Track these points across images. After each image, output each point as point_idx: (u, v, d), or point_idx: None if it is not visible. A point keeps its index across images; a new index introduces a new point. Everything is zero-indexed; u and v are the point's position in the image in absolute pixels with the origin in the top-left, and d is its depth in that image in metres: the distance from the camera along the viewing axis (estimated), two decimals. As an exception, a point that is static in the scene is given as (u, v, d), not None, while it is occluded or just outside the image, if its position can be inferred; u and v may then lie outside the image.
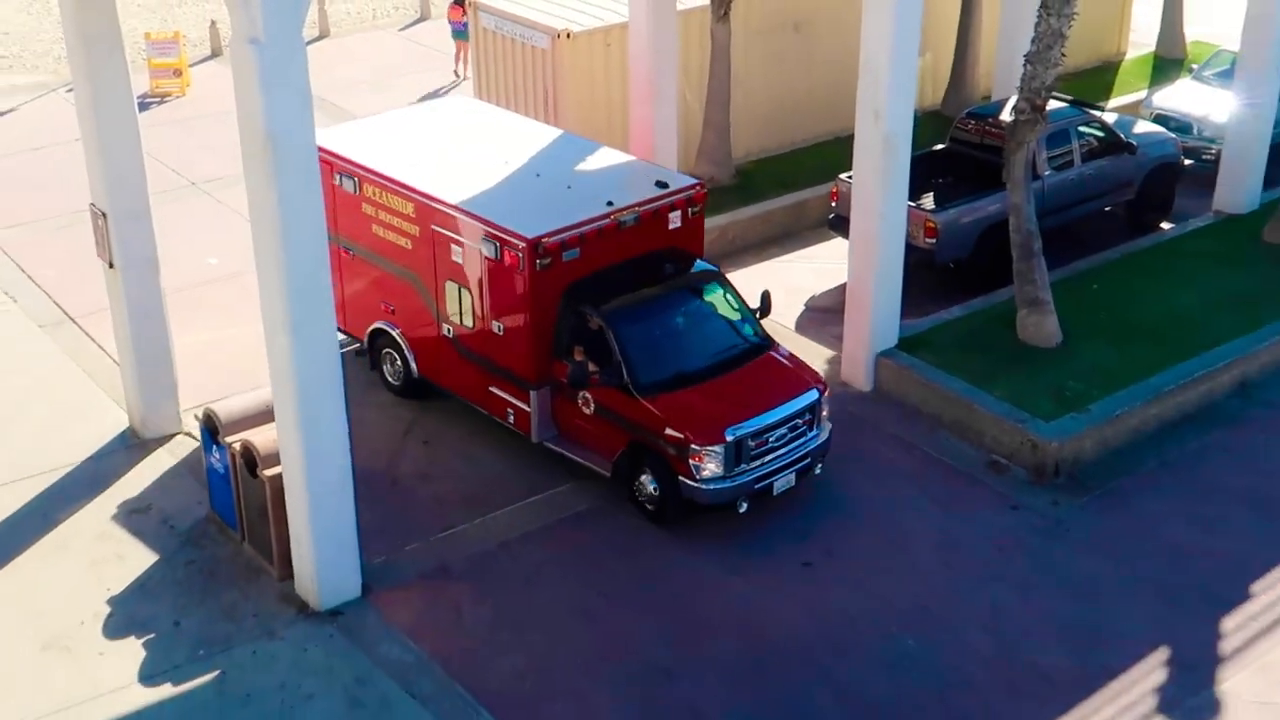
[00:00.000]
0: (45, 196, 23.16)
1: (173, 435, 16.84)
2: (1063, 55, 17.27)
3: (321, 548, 13.80)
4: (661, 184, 16.30)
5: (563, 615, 14.09)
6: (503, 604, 14.26)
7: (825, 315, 19.33)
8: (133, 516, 15.49)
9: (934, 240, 19.38)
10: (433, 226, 16.14)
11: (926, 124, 21.58)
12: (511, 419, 16.05)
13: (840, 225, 19.78)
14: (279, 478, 13.93)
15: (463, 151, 17.67)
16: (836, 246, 20.10)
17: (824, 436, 15.51)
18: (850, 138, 17.51)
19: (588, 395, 15.17)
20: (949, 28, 25.29)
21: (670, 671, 13.35)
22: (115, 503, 15.70)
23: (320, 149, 16.52)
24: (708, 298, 16.13)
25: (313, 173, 12.69)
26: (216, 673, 13.29)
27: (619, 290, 15.46)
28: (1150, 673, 13.32)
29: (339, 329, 16.61)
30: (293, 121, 12.42)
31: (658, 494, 14.96)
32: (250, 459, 14.27)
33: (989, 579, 14.57)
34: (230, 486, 14.80)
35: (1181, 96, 24.28)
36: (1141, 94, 26.05)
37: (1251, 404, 17.53)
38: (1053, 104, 18.31)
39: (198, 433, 15.43)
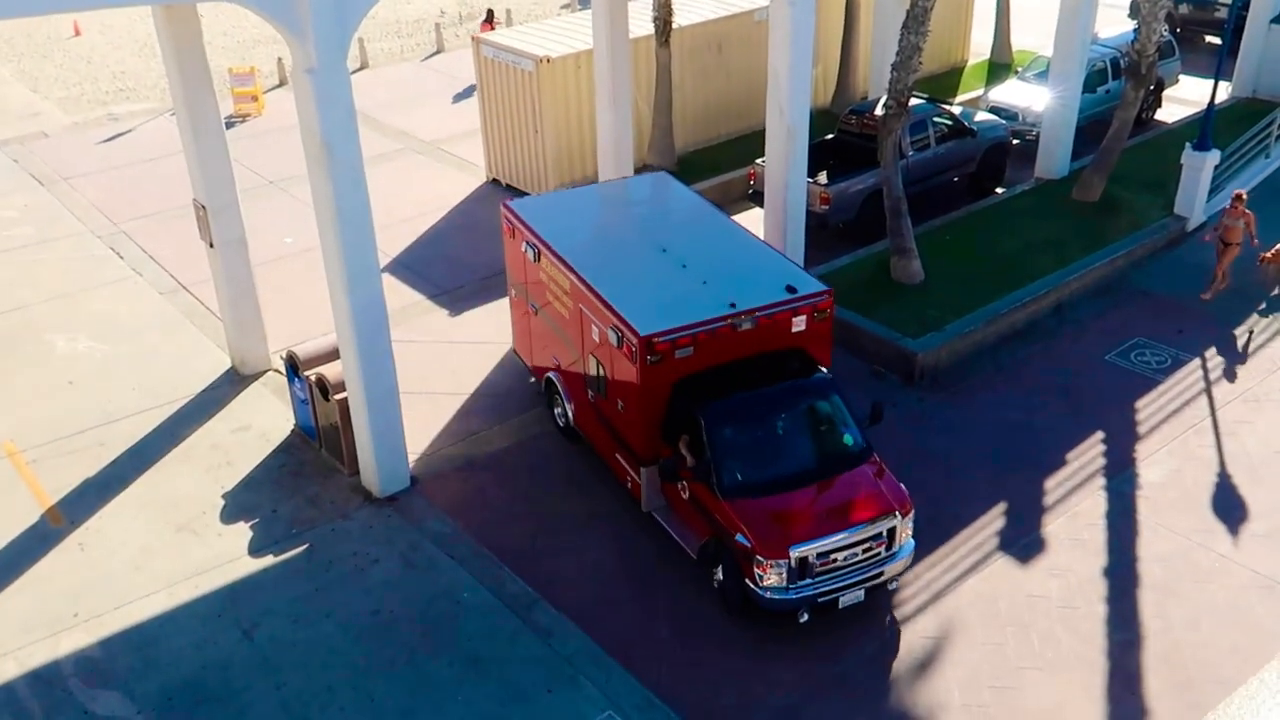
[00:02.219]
0: (159, 195, 22.91)
1: (264, 372, 16.81)
2: (920, 63, 17.24)
3: (379, 450, 13.90)
4: (791, 289, 12.98)
5: (560, 492, 14.24)
6: (516, 487, 14.39)
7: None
8: (237, 433, 15.53)
9: (827, 206, 19.40)
10: (580, 304, 13.56)
11: (819, 119, 21.50)
12: (629, 485, 13.51)
13: (757, 198, 19.81)
14: (345, 400, 13.99)
15: (630, 233, 15.02)
16: (754, 214, 20.11)
17: (902, 556, 12.06)
18: (762, 131, 17.45)
19: (684, 482, 12.53)
20: (835, 45, 25.14)
21: (641, 529, 13.53)
22: (224, 423, 15.73)
23: (515, 214, 15.07)
24: (811, 405, 12.72)
25: (358, 170, 12.59)
26: (306, 545, 13.43)
27: (725, 390, 12.39)
28: (991, 520, 13.59)
29: (528, 367, 15.97)
30: (342, 132, 12.34)
31: (725, 586, 12.17)
32: (323, 387, 14.31)
33: (872, 456, 14.81)
34: (309, 408, 14.85)
35: (1010, 92, 24.24)
36: (979, 91, 25.97)
37: (1064, 322, 17.68)
38: (914, 101, 18.31)
39: (283, 369, 15.42)
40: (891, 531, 11.89)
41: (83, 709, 11.35)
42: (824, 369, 12.97)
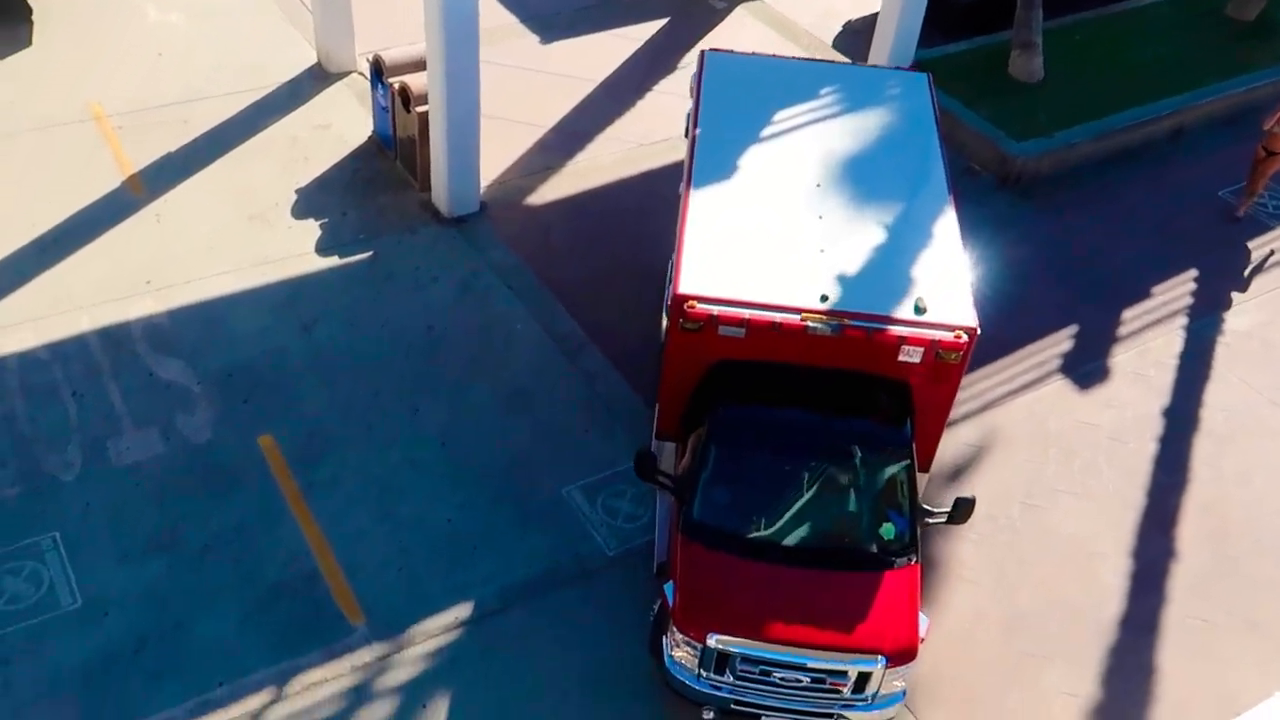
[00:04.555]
0: None
1: (349, 72, 16.22)
2: None
3: (452, 170, 13.51)
4: (920, 307, 9.06)
5: (624, 244, 13.79)
6: (581, 230, 13.99)
7: (857, 35, 18.07)
8: (316, 130, 15.14)
9: (956, -16, 17.79)
10: (680, 212, 10.19)
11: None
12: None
13: (883, -36, 18.14)
14: (425, 114, 13.50)
15: (800, 148, 10.73)
16: (876, -18, 18.61)
17: (875, 709, 8.77)
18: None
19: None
20: None
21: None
22: (304, 119, 15.32)
23: (701, 69, 11.62)
24: (865, 467, 9.12)
25: None
26: (370, 253, 13.30)
27: (763, 397, 9.21)
28: (1057, 342, 13.05)
29: None
30: None
31: (653, 628, 9.24)
32: (406, 97, 13.78)
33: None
34: (389, 117, 14.37)
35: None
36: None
37: (1180, 150, 16.39)
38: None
39: (368, 72, 14.85)
40: (864, 677, 8.57)
41: (148, 371, 11.64)
42: (907, 423, 9.15)
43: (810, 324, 8.91)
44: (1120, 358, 12.89)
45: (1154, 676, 9.90)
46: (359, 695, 9.15)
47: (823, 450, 9.12)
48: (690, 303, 8.93)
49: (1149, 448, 11.87)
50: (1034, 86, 16.55)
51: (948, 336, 8.88)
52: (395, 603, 9.77)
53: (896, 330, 8.95)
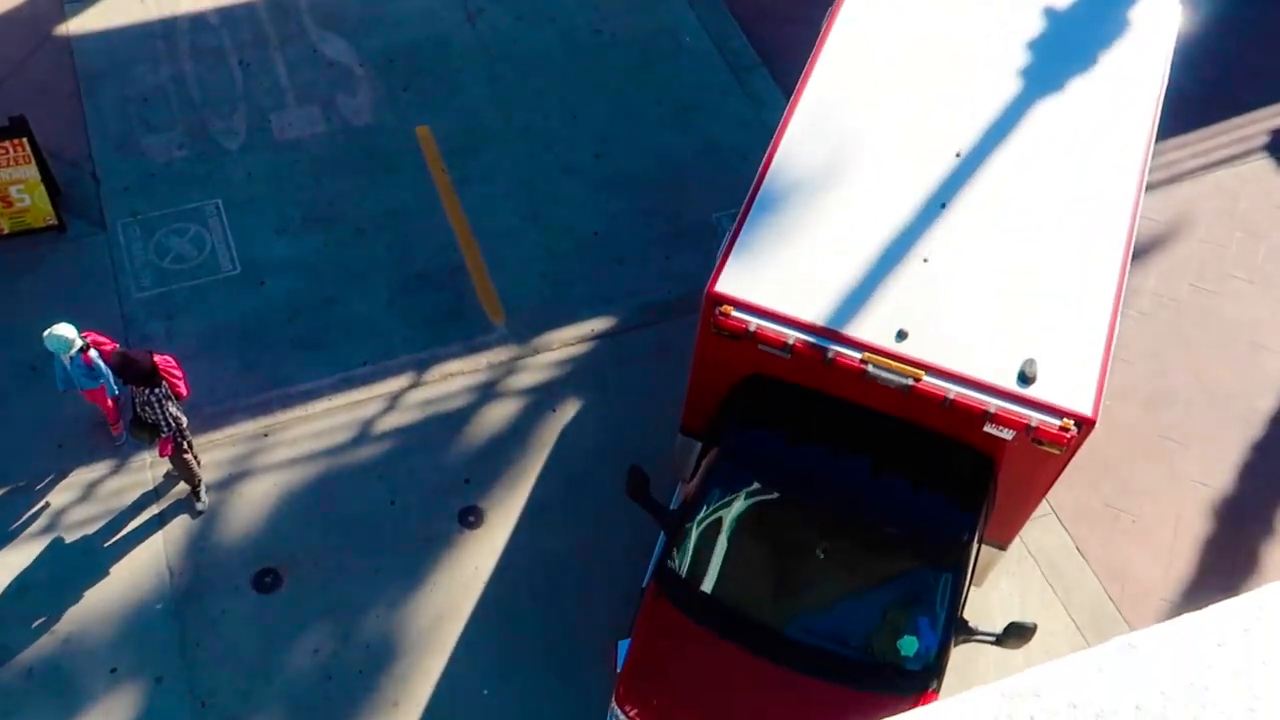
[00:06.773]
0: None
1: None
2: None
3: None
4: (1024, 374, 6.45)
5: None
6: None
7: None
8: None
9: None
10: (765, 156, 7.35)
11: None
12: None
13: None
14: None
15: (957, 90, 7.63)
16: None
17: None
18: None
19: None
20: None
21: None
22: None
23: None
24: (904, 554, 6.98)
25: None
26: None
27: (796, 432, 6.98)
28: (1272, 116, 11.33)
29: None
30: None
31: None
32: None
33: None
34: None
35: None
36: None
37: None
38: None
39: None
40: None
41: (312, 47, 11.21)
42: (978, 506, 6.82)
43: (871, 368, 6.48)
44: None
45: (1296, 480, 9.19)
46: (492, 392, 9.16)
47: (855, 517, 6.93)
48: (725, 307, 6.56)
49: (1350, 241, 10.50)
50: None
51: (1051, 424, 6.33)
52: (535, 306, 9.58)
53: (983, 401, 6.42)
